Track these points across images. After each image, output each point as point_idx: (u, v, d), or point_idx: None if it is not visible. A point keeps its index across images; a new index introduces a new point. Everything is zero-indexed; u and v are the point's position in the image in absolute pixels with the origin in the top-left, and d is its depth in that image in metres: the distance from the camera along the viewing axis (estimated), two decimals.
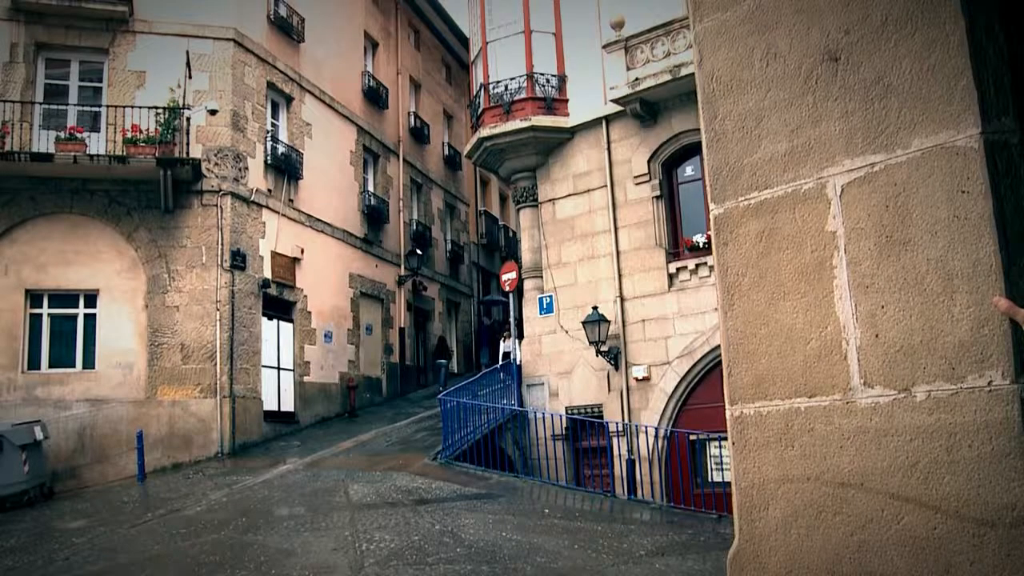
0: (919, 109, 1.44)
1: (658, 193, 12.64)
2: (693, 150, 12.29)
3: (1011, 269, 1.33)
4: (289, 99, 15.12)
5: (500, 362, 15.37)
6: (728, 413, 1.67)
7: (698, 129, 1.75)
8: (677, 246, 12.60)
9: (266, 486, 10.50)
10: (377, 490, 9.81)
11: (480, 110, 14.00)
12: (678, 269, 12.26)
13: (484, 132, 13.67)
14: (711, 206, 1.72)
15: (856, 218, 1.50)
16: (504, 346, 15.89)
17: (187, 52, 12.92)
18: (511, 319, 14.99)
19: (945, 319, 1.37)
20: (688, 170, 12.70)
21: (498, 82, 13.75)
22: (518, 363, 14.00)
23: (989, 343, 1.32)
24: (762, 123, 1.66)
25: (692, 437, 11.60)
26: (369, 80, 17.83)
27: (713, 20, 1.76)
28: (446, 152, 21.99)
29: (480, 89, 14.09)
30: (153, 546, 8.17)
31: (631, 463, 11.88)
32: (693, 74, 1.80)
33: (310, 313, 15.05)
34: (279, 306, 14.33)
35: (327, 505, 9.18)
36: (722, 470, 11.57)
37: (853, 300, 1.49)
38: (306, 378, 14.75)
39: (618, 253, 12.81)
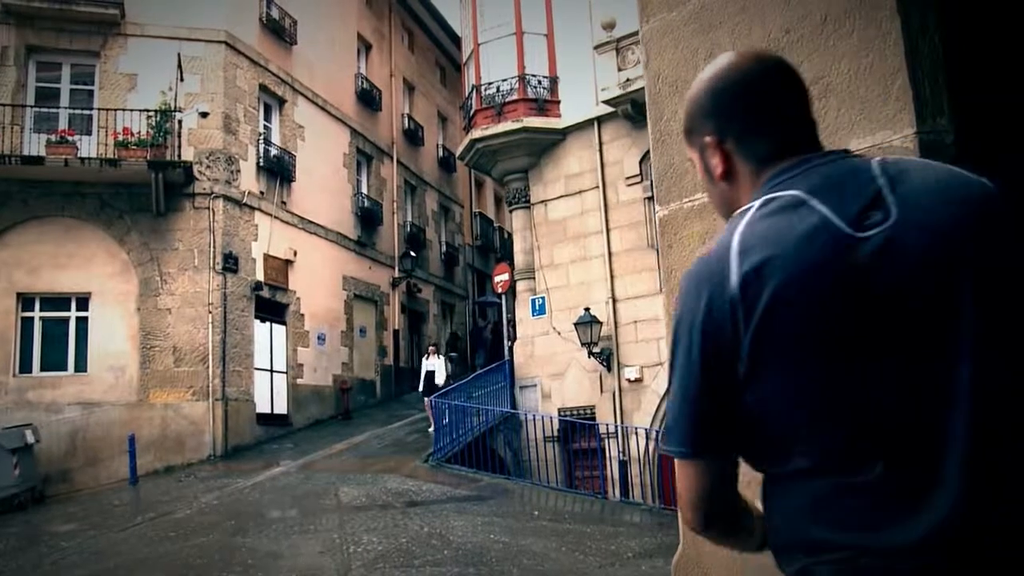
0: (856, 109, 1.42)
1: (650, 194, 12.62)
2: None
3: None
4: (281, 101, 15.11)
5: (422, 387, 13.34)
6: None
7: None
8: None
9: (257, 489, 10.48)
10: (368, 492, 9.79)
11: (472, 112, 13.99)
12: None
13: (476, 134, 13.66)
14: (656, 208, 1.70)
15: None
16: (427, 364, 13.39)
17: (178, 55, 12.90)
18: (442, 337, 14.23)
19: None
20: None
21: (490, 84, 13.74)
22: (440, 383, 12.70)
23: None
24: None
25: None
26: (362, 82, 17.82)
27: (659, 20, 1.74)
28: (440, 154, 21.98)
29: (472, 91, 14.08)
30: (141, 549, 8.15)
31: (623, 465, 11.86)
32: None
33: (303, 315, 15.03)
34: (272, 308, 14.31)
35: (317, 508, 9.17)
36: None
37: None
38: (299, 380, 14.73)
39: (610, 254, 12.79)
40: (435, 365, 13.17)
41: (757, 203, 0.93)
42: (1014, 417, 0.84)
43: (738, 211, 0.95)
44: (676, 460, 0.97)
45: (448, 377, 13.15)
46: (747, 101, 0.99)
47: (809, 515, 0.90)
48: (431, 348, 14.01)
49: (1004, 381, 0.84)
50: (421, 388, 13.49)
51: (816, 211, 0.88)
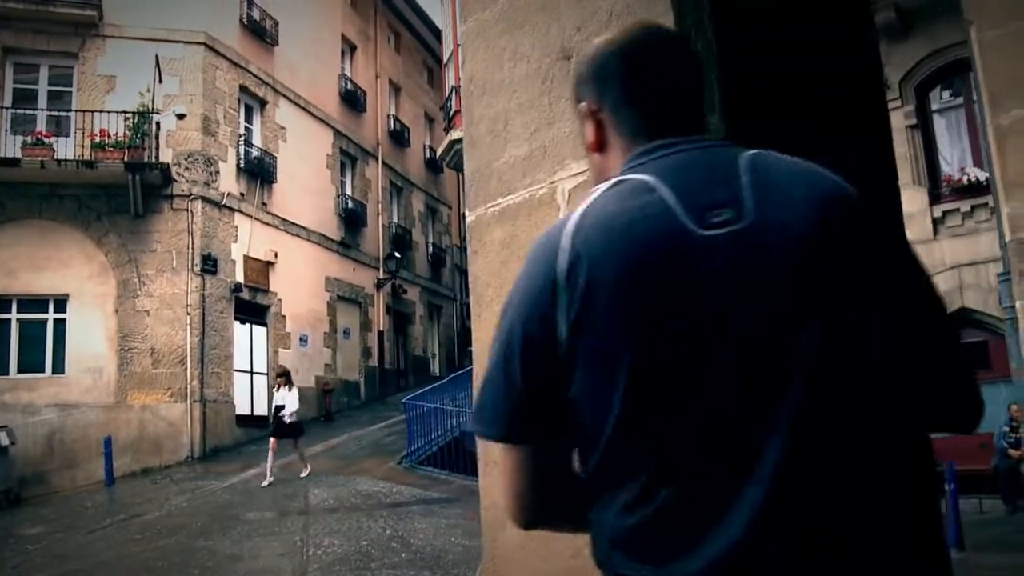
0: None
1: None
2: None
3: None
4: (263, 103, 15.09)
5: (273, 420, 10.87)
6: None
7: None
8: None
9: (230, 491, 10.46)
10: (337, 494, 9.76)
11: (452, 112, 13.96)
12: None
13: (455, 134, 13.63)
14: (466, 213, 1.66)
15: None
16: (277, 397, 10.80)
17: (156, 56, 12.88)
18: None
19: None
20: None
21: None
22: (290, 418, 10.45)
23: None
24: (508, 126, 1.59)
25: None
26: (346, 83, 17.80)
27: (474, 21, 1.70)
28: (427, 155, 21.95)
29: (451, 91, 14.05)
30: (104, 552, 8.14)
31: None
32: None
33: (284, 317, 15.01)
34: (252, 310, 14.29)
35: (285, 510, 9.15)
36: None
37: None
38: None
39: None
40: (285, 398, 10.59)
41: (606, 184, 0.87)
42: (832, 454, 0.78)
43: (593, 188, 0.90)
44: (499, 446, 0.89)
45: (294, 412, 10.61)
46: (627, 69, 0.92)
47: (610, 535, 0.84)
48: (279, 378, 11.11)
49: (832, 412, 0.77)
50: (271, 424, 11.09)
51: (659, 199, 0.81)
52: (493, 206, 1.60)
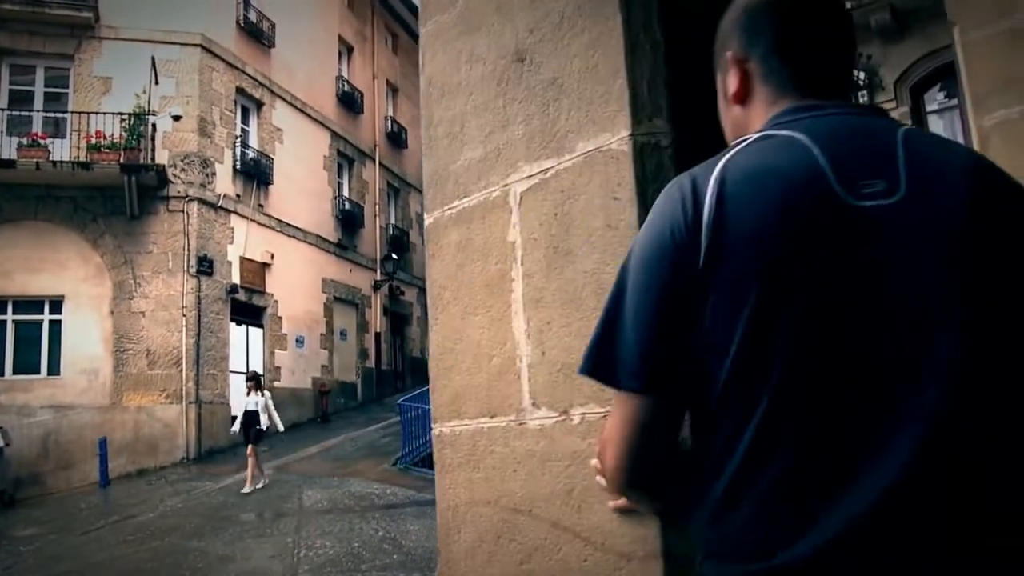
0: (584, 111, 1.36)
1: None
2: None
3: None
4: (260, 104, 15.09)
5: (241, 427, 10.34)
6: (433, 432, 1.60)
7: None
8: None
9: (224, 492, 10.45)
10: (331, 496, 9.74)
11: None
12: None
13: None
14: (425, 217, 1.65)
15: (531, 228, 1.41)
16: (248, 402, 10.30)
17: (152, 58, 12.89)
18: (259, 373, 11.13)
19: None
20: None
21: None
22: (265, 427, 10.15)
23: None
24: (465, 128, 1.58)
25: None
26: (344, 85, 17.79)
27: (434, 23, 1.69)
28: None
29: None
30: (97, 553, 8.13)
31: None
32: None
33: (281, 318, 15.00)
34: (248, 311, 14.29)
35: (278, 511, 9.14)
36: None
37: (526, 315, 1.40)
38: (276, 383, 14.68)
39: None
40: (257, 403, 10.15)
41: (754, 136, 0.85)
42: (991, 405, 0.74)
43: (736, 140, 0.87)
44: (616, 396, 0.86)
45: (270, 420, 10.26)
46: (780, 18, 0.90)
47: (719, 509, 0.79)
48: (249, 383, 10.56)
49: (989, 376, 0.75)
50: (237, 429, 10.50)
51: (812, 160, 0.79)
52: (450, 209, 1.59)
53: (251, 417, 10.13)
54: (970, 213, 0.77)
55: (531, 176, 1.43)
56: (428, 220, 1.63)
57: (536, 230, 1.40)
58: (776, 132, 0.84)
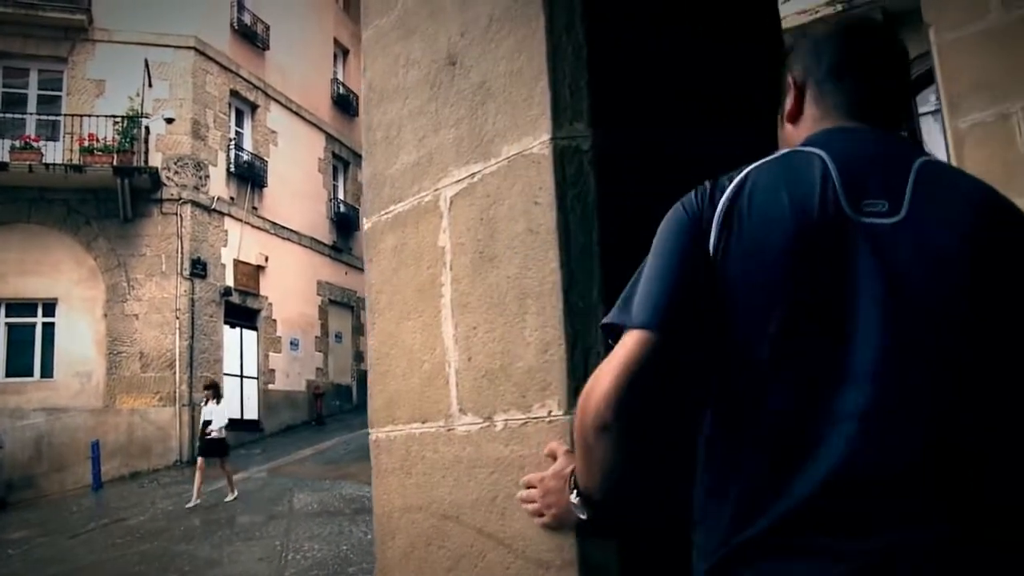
0: (509, 114, 1.35)
1: None
2: None
3: (571, 288, 1.23)
4: (254, 107, 15.10)
5: (200, 437, 10.17)
6: (370, 438, 1.59)
7: None
8: None
9: (216, 495, 10.43)
10: (321, 499, 9.73)
11: None
12: None
13: None
14: (363, 221, 1.64)
15: (459, 232, 1.41)
16: (205, 412, 9.95)
17: (145, 60, 12.90)
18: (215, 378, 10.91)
19: (519, 342, 1.28)
20: None
21: None
22: (217, 434, 9.76)
23: (551, 369, 1.23)
24: (401, 133, 1.57)
25: None
26: (339, 87, 17.81)
27: (374, 28, 1.68)
28: None
29: None
30: (86, 556, 8.13)
31: None
32: None
33: (275, 321, 14.99)
34: (243, 314, 14.29)
35: (268, 514, 9.12)
36: None
37: (455, 320, 1.40)
38: (271, 386, 14.69)
39: None
40: (212, 413, 9.76)
41: (785, 151, 0.94)
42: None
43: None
44: (625, 334, 0.89)
45: (222, 428, 9.85)
46: (839, 47, 0.98)
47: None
48: (206, 391, 10.15)
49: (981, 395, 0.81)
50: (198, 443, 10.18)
51: (826, 173, 0.86)
52: (386, 213, 1.58)
53: (207, 427, 9.88)
54: (968, 243, 0.83)
55: (460, 181, 1.42)
56: (367, 225, 1.63)
57: (464, 235, 1.40)
58: (804, 148, 0.92)
